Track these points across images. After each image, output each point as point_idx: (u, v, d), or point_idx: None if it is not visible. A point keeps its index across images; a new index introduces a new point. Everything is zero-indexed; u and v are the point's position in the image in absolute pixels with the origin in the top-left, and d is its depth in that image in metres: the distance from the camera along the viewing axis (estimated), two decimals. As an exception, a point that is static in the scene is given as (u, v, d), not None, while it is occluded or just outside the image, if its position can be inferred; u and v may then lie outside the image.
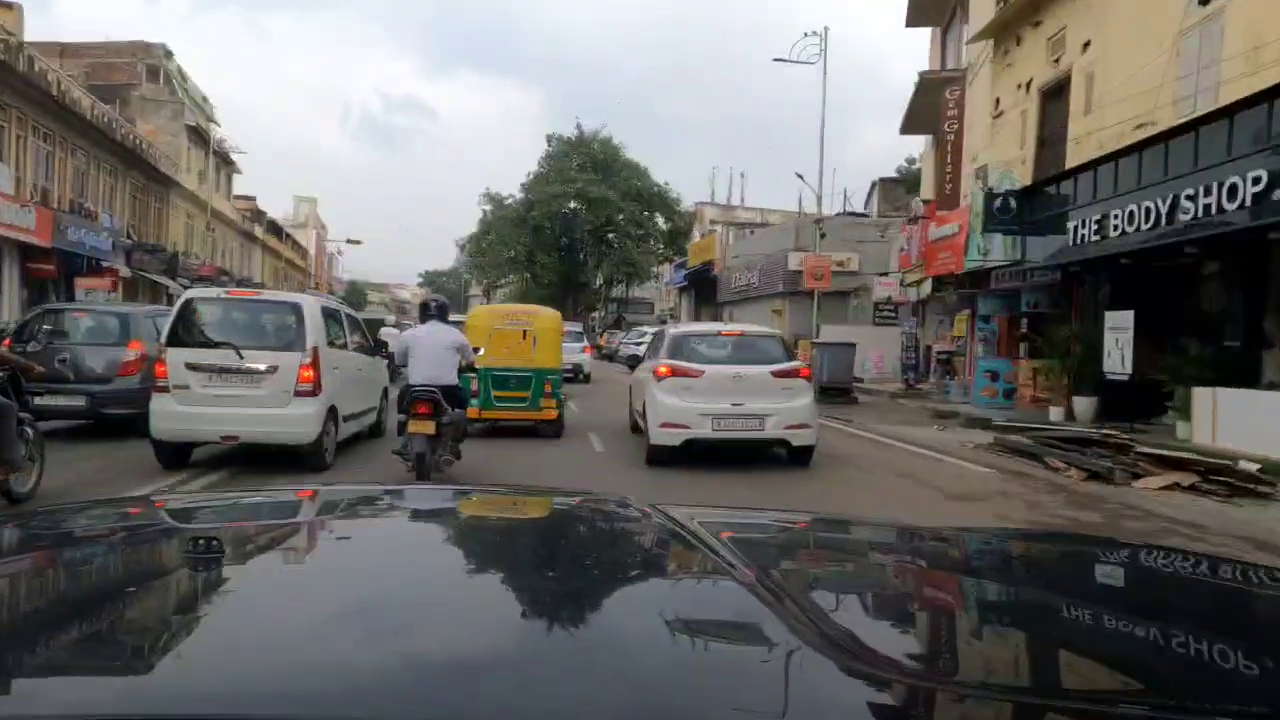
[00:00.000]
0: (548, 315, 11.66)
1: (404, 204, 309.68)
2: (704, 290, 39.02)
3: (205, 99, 47.46)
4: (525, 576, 1.27)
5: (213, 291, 10.06)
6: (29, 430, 6.57)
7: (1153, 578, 1.50)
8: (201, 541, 1.23)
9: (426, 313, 8.08)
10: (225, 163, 48.53)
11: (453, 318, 10.01)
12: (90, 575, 1.23)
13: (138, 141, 31.79)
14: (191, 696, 0.75)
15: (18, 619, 1.01)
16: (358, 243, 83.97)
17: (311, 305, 8.71)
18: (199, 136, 40.54)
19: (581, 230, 49.44)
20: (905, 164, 39.73)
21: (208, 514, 1.65)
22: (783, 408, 8.91)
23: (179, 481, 7.80)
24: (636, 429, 10.87)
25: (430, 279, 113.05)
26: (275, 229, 63.59)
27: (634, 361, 19.07)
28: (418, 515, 1.67)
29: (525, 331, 11.00)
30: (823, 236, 23.54)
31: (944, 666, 1.03)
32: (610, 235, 51.46)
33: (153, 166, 33.72)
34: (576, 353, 20.24)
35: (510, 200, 52.38)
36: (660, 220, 52.56)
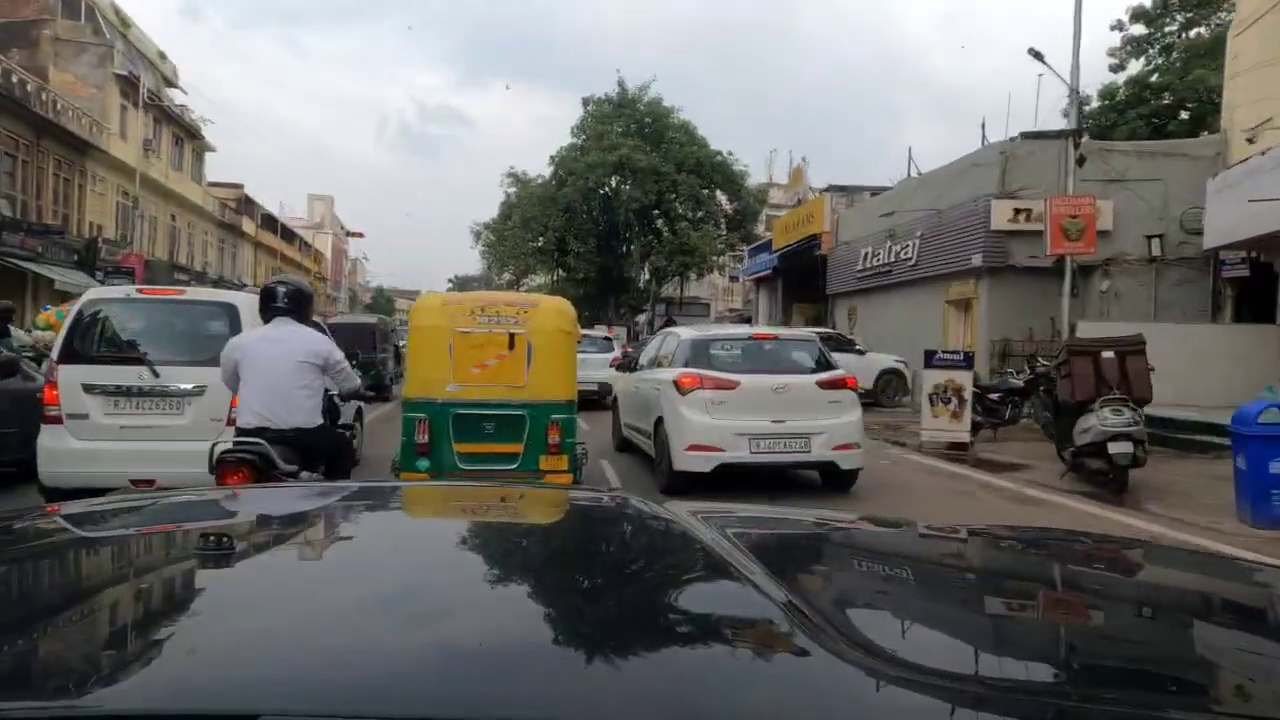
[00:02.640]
0: (550, 308, 6.88)
1: (436, 210, 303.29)
2: (798, 279, 28.16)
3: (162, 55, 38.54)
4: (525, 572, 1.24)
5: (119, 291, 7.92)
6: None
7: (1173, 579, 1.49)
8: (212, 539, 1.18)
9: (270, 305, 4.84)
10: (191, 137, 39.38)
11: None
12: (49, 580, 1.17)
13: (7, 75, 22.64)
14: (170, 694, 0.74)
15: None
16: (359, 235, 76.57)
17: (250, 306, 6.62)
18: (136, 91, 31.31)
19: (625, 211, 39.21)
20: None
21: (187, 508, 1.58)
22: (831, 424, 7.82)
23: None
24: (626, 447, 10.07)
25: (460, 283, 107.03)
26: (271, 223, 54.87)
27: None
28: (413, 511, 1.62)
29: (512, 337, 6.42)
30: (1081, 162, 13.07)
31: (947, 663, 0.96)
32: (659, 220, 41.32)
33: (46, 119, 24.62)
34: (602, 366, 15.90)
35: (538, 180, 42.52)
36: (724, 199, 42.16)
